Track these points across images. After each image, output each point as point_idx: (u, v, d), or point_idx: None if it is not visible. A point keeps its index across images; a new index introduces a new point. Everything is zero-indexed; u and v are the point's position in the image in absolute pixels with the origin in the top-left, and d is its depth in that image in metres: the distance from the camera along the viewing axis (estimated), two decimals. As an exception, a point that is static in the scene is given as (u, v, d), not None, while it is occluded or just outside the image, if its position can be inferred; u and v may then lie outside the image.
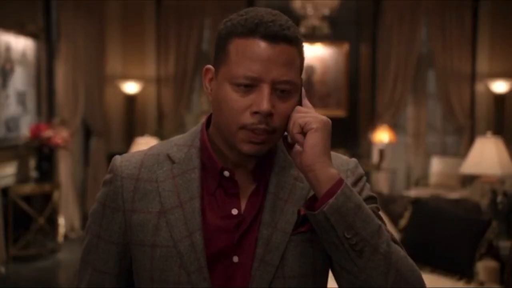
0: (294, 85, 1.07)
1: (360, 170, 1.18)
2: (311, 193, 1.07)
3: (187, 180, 1.12)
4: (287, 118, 1.07)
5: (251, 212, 1.11)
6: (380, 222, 1.04)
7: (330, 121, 1.06)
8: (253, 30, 1.04)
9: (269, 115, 1.04)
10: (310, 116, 1.05)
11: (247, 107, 1.05)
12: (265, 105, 1.03)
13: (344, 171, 1.15)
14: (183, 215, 1.10)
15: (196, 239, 1.08)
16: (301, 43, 1.09)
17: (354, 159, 1.19)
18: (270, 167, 1.13)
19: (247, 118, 1.05)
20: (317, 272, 1.10)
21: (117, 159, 1.16)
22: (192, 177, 1.12)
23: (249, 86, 1.05)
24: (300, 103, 1.10)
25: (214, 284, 1.09)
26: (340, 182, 1.02)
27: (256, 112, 1.04)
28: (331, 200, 1.00)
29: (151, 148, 1.19)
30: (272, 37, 1.04)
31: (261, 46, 1.04)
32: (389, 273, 1.02)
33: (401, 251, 1.06)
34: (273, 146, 1.11)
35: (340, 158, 1.18)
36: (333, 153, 1.18)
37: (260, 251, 1.09)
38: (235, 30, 1.06)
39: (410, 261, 1.07)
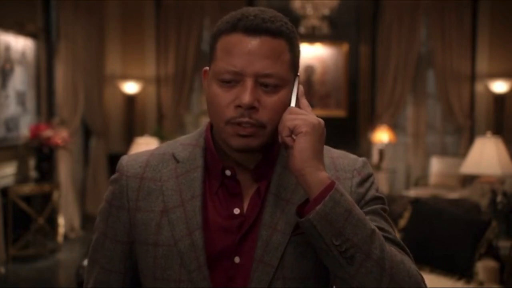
0: (280, 79, 1.04)
1: (367, 170, 1.15)
2: None
3: (190, 179, 1.12)
4: (277, 113, 1.05)
5: (253, 212, 1.10)
6: (373, 227, 1.00)
7: (322, 123, 1.04)
8: (235, 25, 1.04)
9: (251, 108, 1.03)
10: (300, 118, 1.02)
11: (232, 102, 1.04)
12: (246, 98, 1.02)
13: (350, 171, 1.14)
14: (184, 214, 1.09)
15: (196, 238, 1.08)
16: (292, 38, 1.07)
17: (363, 158, 1.17)
18: (272, 166, 1.12)
19: (231, 112, 1.04)
20: (318, 274, 1.08)
21: (124, 158, 1.18)
22: (194, 176, 1.12)
23: (233, 81, 1.04)
24: (291, 101, 1.08)
25: (215, 284, 1.08)
26: (330, 186, 0.99)
27: (238, 106, 1.04)
28: (318, 207, 0.98)
29: (158, 147, 1.20)
30: (253, 30, 1.03)
31: (242, 39, 1.03)
32: (382, 280, 0.99)
33: (397, 256, 1.02)
34: (275, 145, 1.10)
35: (348, 158, 1.16)
36: (341, 152, 1.18)
37: (259, 252, 1.07)
38: (221, 28, 1.07)
39: (408, 265, 1.03)
